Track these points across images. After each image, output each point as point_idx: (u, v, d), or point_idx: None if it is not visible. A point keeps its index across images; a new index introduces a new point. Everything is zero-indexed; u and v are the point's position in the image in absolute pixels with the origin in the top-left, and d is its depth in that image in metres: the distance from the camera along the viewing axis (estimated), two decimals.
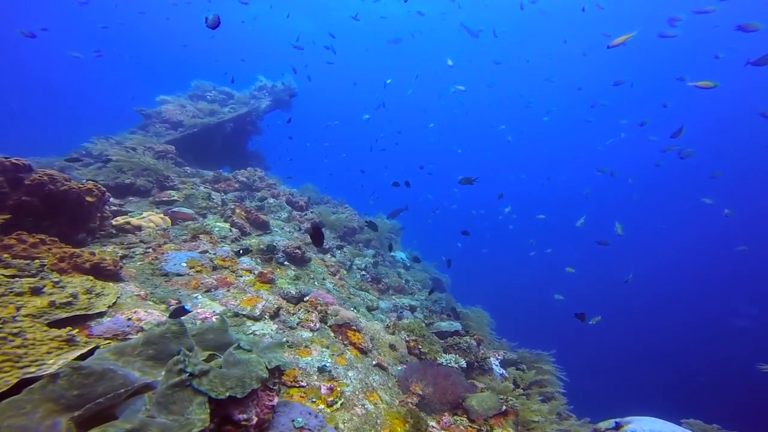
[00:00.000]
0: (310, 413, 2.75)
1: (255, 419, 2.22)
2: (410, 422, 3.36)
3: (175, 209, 6.28)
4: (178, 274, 4.34)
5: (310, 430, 2.60)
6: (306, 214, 8.59)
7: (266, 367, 2.34)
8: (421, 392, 3.83)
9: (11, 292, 2.70)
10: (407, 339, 5.07)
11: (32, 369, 2.07)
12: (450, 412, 3.87)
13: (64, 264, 3.53)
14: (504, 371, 5.47)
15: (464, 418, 3.85)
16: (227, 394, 2.05)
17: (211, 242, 5.38)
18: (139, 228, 5.47)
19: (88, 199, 4.82)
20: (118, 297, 3.39)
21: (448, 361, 4.76)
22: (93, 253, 3.72)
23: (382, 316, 5.97)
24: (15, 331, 2.13)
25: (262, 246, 5.64)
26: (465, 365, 4.83)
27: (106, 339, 2.87)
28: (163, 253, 4.68)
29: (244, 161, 13.48)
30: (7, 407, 1.79)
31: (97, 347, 2.45)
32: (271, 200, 8.53)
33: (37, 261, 3.32)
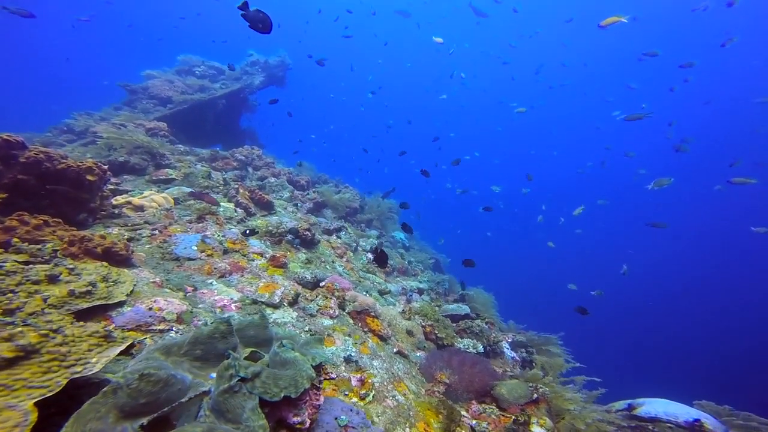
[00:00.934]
0: (351, 410, 2.67)
1: (308, 421, 2.13)
2: (443, 413, 3.32)
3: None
4: (190, 258, 4.16)
5: (354, 428, 2.52)
6: (308, 194, 8.38)
7: (312, 365, 2.24)
8: (447, 381, 3.79)
9: (28, 280, 2.49)
10: (423, 324, 5.03)
11: (78, 368, 1.91)
12: (477, 401, 3.85)
13: (74, 249, 3.32)
14: (515, 354, 5.51)
15: (493, 407, 3.83)
16: (282, 395, 1.94)
17: (217, 224, 5.18)
18: (141, 208, 5.22)
19: (89, 177, 4.55)
20: (135, 284, 3.21)
21: (466, 347, 4.75)
22: (103, 237, 3.51)
23: (392, 299, 5.91)
24: (54, 327, 1.96)
25: (270, 227, 5.46)
26: (483, 350, 4.82)
27: (129, 330, 2.71)
28: (170, 236, 4.47)
29: (237, 139, 13.07)
30: (89, 409, 1.69)
31: (132, 344, 2.29)
32: (272, 179, 8.28)
33: (49, 246, 3.10)
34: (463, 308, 6.23)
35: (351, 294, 4.47)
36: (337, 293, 4.41)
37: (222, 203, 5.99)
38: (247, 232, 5.12)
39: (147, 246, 4.20)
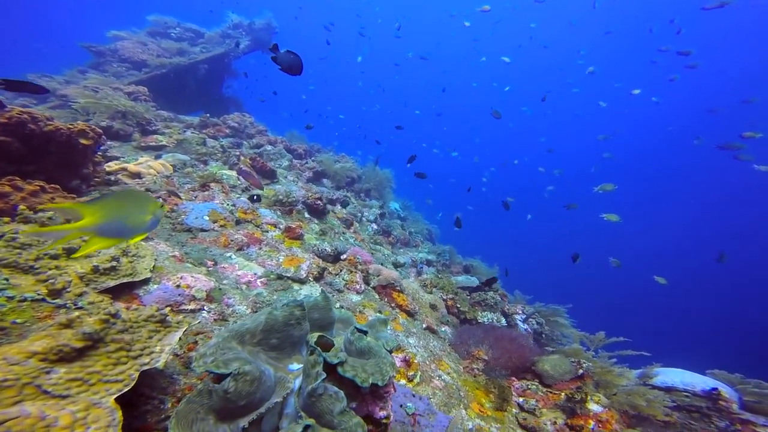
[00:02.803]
0: (413, 395, 2.56)
1: (392, 415, 1.98)
2: (494, 392, 3.25)
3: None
4: (203, 230, 3.86)
5: (421, 415, 2.41)
6: (307, 163, 8.03)
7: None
8: (485, 357, 3.71)
9: (46, 254, 2.19)
10: (445, 298, 4.93)
11: (146, 359, 1.69)
12: (517, 378, 3.78)
13: None
14: (527, 326, 5.53)
15: (536, 383, 3.78)
16: (370, 381, 1.78)
17: (224, 192, 4.85)
18: (138, 175, 4.82)
19: (83, 141, 4.11)
20: (155, 259, 2.93)
21: (490, 320, 4.70)
22: None
23: (404, 272, 5.79)
24: (112, 311, 1.70)
25: (280, 196, 5.16)
26: (505, 324, 4.79)
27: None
28: (177, 204, 4.14)
29: (221, 107, 12.32)
30: (188, 409, 1.58)
31: (187, 328, 2.05)
32: (269, 147, 7.86)
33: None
34: (472, 279, 6.18)
35: (374, 267, 4.30)
36: (360, 267, 4.23)
37: (223, 171, 5.62)
38: (255, 198, 4.82)
39: None
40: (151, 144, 6.17)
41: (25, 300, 1.79)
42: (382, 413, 1.96)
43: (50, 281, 1.92)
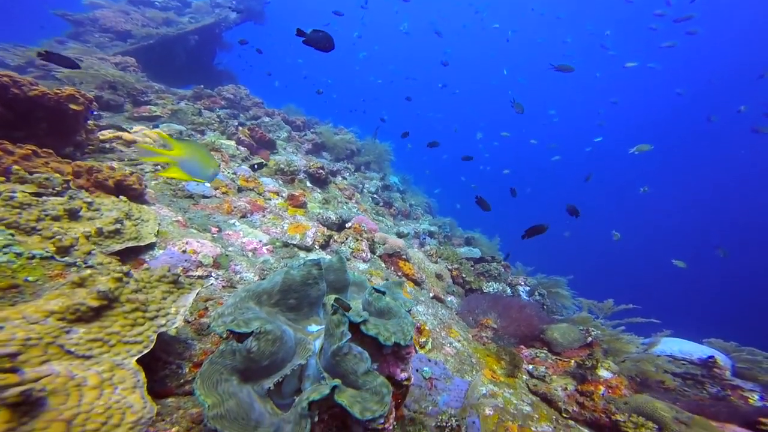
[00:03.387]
0: (429, 360, 2.52)
1: (412, 377, 1.92)
2: (506, 359, 3.23)
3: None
4: (204, 196, 3.73)
5: (437, 379, 2.37)
6: (306, 134, 7.82)
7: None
8: (495, 325, 3.67)
9: (47, 215, 2.06)
10: (450, 268, 4.88)
11: (162, 320, 1.60)
12: (525, 346, 3.77)
13: (82, 181, 2.84)
14: (530, 298, 5.52)
15: (545, 351, 3.76)
16: (393, 340, 1.70)
17: (223, 160, 4.69)
18: (134, 143, 4.63)
19: (73, 107, 3.90)
20: (159, 223, 2.80)
21: (496, 290, 4.67)
22: (112, 168, 3.02)
23: (408, 243, 5.71)
24: (125, 269, 1.60)
25: (282, 165, 5.01)
26: (512, 293, 4.77)
27: None
28: None
29: (214, 81, 11.92)
30: (211, 370, 1.51)
31: (200, 290, 1.95)
32: (266, 119, 7.63)
33: (58, 175, 2.61)
34: (475, 251, 6.14)
35: (380, 235, 4.21)
36: (366, 235, 4.14)
37: (222, 141, 5.43)
38: (255, 166, 4.68)
39: (153, 182, 3.72)
40: (144, 114, 5.94)
41: (34, 257, 1.69)
42: (403, 375, 1.90)
43: (57, 237, 1.80)
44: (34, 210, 2.01)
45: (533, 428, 3.00)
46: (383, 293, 1.99)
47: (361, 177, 7.55)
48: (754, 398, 4.50)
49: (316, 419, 1.57)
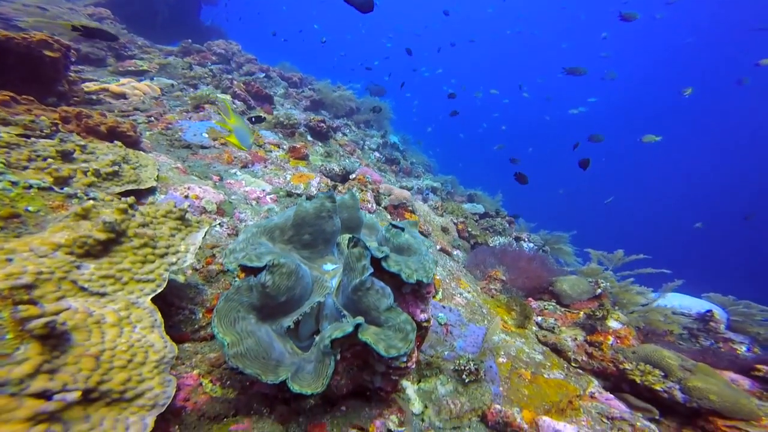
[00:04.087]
0: (444, 307, 2.44)
1: (431, 319, 1.83)
2: (516, 309, 3.18)
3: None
4: (203, 146, 3.55)
5: (452, 325, 2.30)
6: (303, 91, 7.51)
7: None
8: (503, 278, 3.61)
9: (38, 155, 1.90)
10: (456, 221, 4.79)
11: (173, 258, 1.50)
12: (534, 298, 3.72)
13: (71, 126, 2.65)
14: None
15: (553, 303, 3.73)
16: (415, 278, 1.59)
17: (219, 113, 4.47)
18: (123, 96, 4.38)
19: (48, 53, 3.62)
20: (158, 169, 2.64)
21: (502, 244, 4.60)
22: (103, 114, 2.82)
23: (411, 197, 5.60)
24: (129, 201, 1.48)
25: (281, 118, 4.79)
26: (517, 248, 4.70)
27: None
28: (171, 123, 3.78)
29: (201, 38, 11.33)
30: (227, 307, 1.45)
31: (207, 229, 1.83)
32: (261, 74, 7.29)
33: (45, 117, 2.42)
34: (478, 207, 6.06)
35: (385, 186, 4.08)
36: (371, 186, 4.00)
37: (218, 94, 5.17)
38: (253, 119, 4.47)
39: (148, 133, 3.52)
40: (130, 69, 5.63)
41: (31, 187, 1.56)
42: (423, 315, 1.81)
43: (53, 167, 1.65)
44: (24, 150, 1.85)
45: (546, 375, 2.99)
46: (402, 229, 1.88)
47: (362, 134, 7.33)
48: (742, 350, 4.61)
49: (338, 357, 1.50)
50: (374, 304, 1.55)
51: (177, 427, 1.61)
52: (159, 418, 1.37)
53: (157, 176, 2.52)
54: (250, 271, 1.55)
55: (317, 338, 1.62)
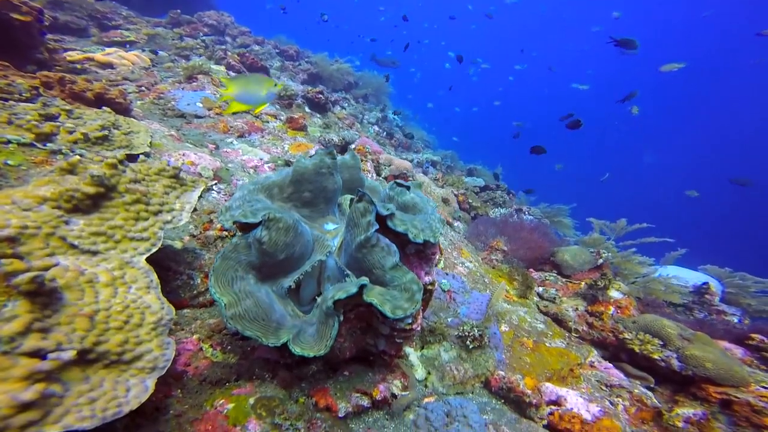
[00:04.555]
0: (447, 274, 2.40)
1: (436, 282, 1.78)
2: (518, 279, 3.16)
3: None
4: (197, 116, 3.45)
5: (455, 292, 2.26)
6: (300, 64, 7.30)
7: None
8: (504, 248, 3.57)
9: (17, 117, 1.80)
10: (456, 193, 4.72)
11: (167, 216, 1.44)
12: (535, 269, 3.69)
13: (54, 92, 2.54)
14: None
15: (554, 274, 3.70)
16: (422, 237, 1.53)
17: (213, 84, 4.33)
18: (110, 65, 4.23)
19: (17, 17, 3.39)
20: (151, 136, 2.55)
21: (503, 215, 4.56)
22: (89, 80, 2.71)
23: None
24: (119, 156, 1.40)
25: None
26: (518, 220, 4.66)
27: None
28: (164, 92, 3.66)
29: (189, 7, 10.92)
30: (225, 266, 1.39)
31: (203, 188, 1.76)
32: (256, 47, 7.08)
33: (23, 81, 2.31)
34: (478, 180, 6.01)
35: (385, 157, 4.00)
36: (370, 156, 3.92)
37: (211, 65, 5.01)
38: None
39: (139, 102, 3.41)
40: (115, 39, 5.42)
41: (9, 142, 1.47)
42: (428, 278, 1.75)
43: (33, 123, 1.57)
44: (2, 113, 1.75)
45: (548, 344, 2.99)
46: (407, 188, 1.81)
47: (360, 108, 7.17)
48: (734, 321, 4.66)
49: (342, 318, 1.45)
50: (379, 262, 1.50)
51: (179, 391, 1.59)
52: (160, 381, 1.34)
53: (150, 142, 2.43)
54: (247, 228, 1.49)
55: (319, 299, 1.57)
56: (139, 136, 2.39)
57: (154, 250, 1.38)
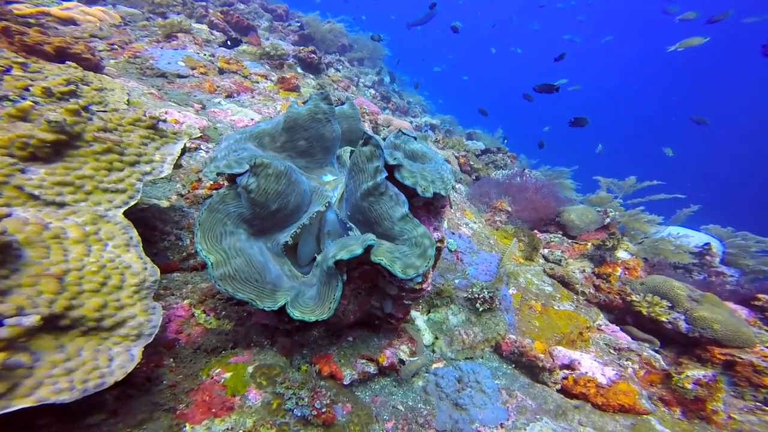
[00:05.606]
0: (453, 233, 2.26)
1: (445, 238, 1.62)
2: (524, 240, 3.03)
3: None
4: (180, 75, 3.21)
5: (463, 252, 2.14)
6: (290, 24, 6.91)
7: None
8: (509, 209, 3.43)
9: None
10: (457, 155, 4.54)
11: (146, 167, 1.27)
12: (539, 230, 3.56)
13: (4, 44, 2.29)
14: None
15: (559, 235, 3.58)
16: (431, 190, 1.36)
17: (196, 43, 4.04)
18: (71, 21, 3.85)
19: None
20: (128, 94, 2.33)
21: (507, 176, 4.40)
22: (44, 32, 2.45)
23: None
24: (83, 103, 1.22)
25: (267, 49, 4.37)
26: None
27: None
28: (140, 51, 3.39)
29: None
30: (211, 219, 1.24)
31: (186, 140, 1.57)
32: (241, 6, 6.66)
33: None
34: (479, 144, 5.83)
35: (384, 117, 3.79)
36: (368, 116, 3.71)
37: (192, 23, 4.68)
38: (229, 42, 4.06)
39: (112, 60, 3.15)
40: None
41: None
42: (437, 234, 1.58)
43: None
44: None
45: (556, 307, 2.90)
46: (414, 138, 1.64)
47: (356, 71, 6.86)
48: (732, 282, 4.63)
49: (345, 278, 1.31)
50: (387, 212, 1.34)
51: (172, 360, 1.47)
52: (149, 350, 1.22)
53: (128, 100, 2.21)
54: (234, 179, 1.33)
55: (319, 257, 1.43)
56: (114, 93, 2.17)
57: (133, 202, 1.22)
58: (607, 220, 3.79)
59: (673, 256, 3.97)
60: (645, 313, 3.27)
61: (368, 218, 1.31)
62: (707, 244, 4.78)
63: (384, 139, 3.16)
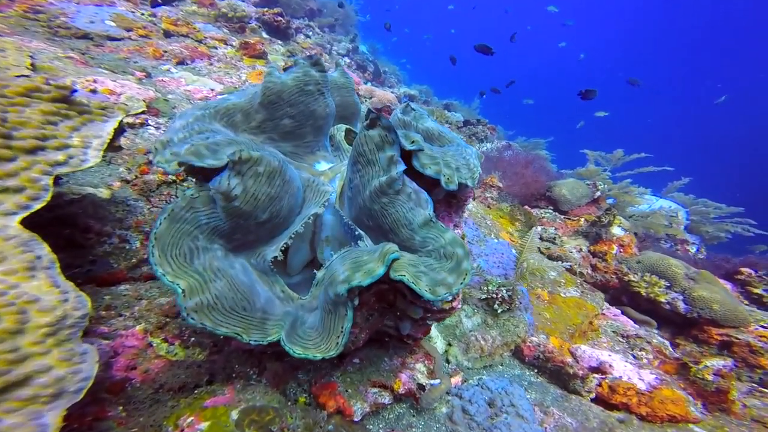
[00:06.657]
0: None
1: (466, 236, 1.27)
2: (520, 219, 2.80)
3: None
4: (112, 37, 2.64)
5: (470, 241, 1.88)
6: None
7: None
8: (500, 184, 3.18)
9: None
10: None
11: (58, 156, 0.88)
12: (530, 206, 3.37)
13: None
14: None
15: (550, 210, 3.41)
16: (456, 180, 1.02)
17: (131, 0, 3.40)
18: None
19: None
20: (31, 56, 1.80)
21: (496, 149, 4.15)
22: None
23: None
24: None
25: (223, 9, 3.77)
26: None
27: None
28: (42, 4, 2.72)
29: None
30: (174, 233, 0.86)
31: (121, 117, 1.13)
32: None
33: None
34: (457, 115, 5.55)
35: (365, 88, 3.38)
36: None
37: None
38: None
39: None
40: None
41: None
42: (457, 231, 1.25)
43: None
44: None
45: (563, 294, 2.70)
46: (425, 114, 1.27)
47: (328, 38, 6.27)
48: (692, 250, 4.71)
49: (357, 303, 0.94)
50: (405, 216, 0.97)
51: (120, 408, 1.08)
52: (84, 399, 0.82)
53: (31, 63, 1.69)
54: (203, 172, 0.92)
55: (319, 274, 1.06)
56: (5, 54, 1.65)
57: (37, 205, 0.81)
58: (597, 193, 3.67)
59: (665, 230, 3.90)
60: (643, 294, 3.15)
61: (381, 223, 0.95)
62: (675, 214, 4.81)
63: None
